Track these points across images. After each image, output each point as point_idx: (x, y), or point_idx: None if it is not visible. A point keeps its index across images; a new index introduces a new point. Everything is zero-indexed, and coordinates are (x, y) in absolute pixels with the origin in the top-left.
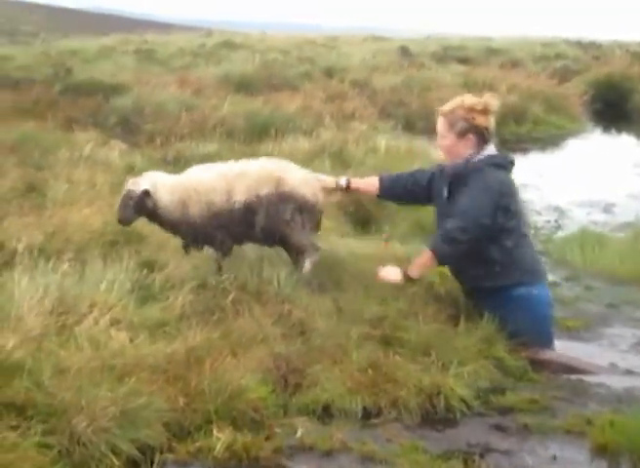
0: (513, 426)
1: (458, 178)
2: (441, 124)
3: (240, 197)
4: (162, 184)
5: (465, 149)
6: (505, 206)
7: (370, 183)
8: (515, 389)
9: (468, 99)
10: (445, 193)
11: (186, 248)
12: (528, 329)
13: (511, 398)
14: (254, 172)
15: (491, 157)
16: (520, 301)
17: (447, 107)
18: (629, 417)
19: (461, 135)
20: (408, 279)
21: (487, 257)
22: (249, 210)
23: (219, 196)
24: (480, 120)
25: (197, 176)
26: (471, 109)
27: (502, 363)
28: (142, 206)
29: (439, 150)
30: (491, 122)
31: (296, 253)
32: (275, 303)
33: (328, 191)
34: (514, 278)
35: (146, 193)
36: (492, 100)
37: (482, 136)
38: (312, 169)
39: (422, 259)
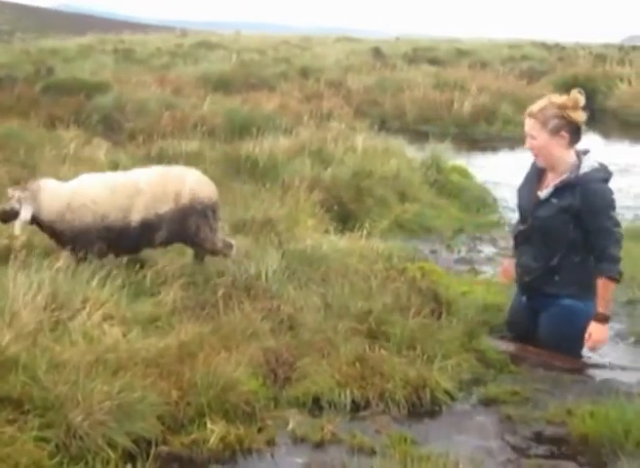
0: (496, 417)
1: (565, 187)
2: (531, 125)
3: (137, 216)
4: (50, 193)
5: (559, 148)
6: None
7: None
8: (497, 381)
9: (556, 98)
10: (543, 194)
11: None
12: (564, 339)
13: (493, 390)
14: (148, 190)
15: (599, 170)
16: (567, 312)
17: (535, 107)
18: (609, 408)
19: (555, 132)
20: (606, 319)
21: (551, 265)
22: (148, 227)
23: (114, 212)
24: (574, 115)
25: (91, 188)
26: (563, 106)
27: (484, 355)
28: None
29: (530, 152)
30: (583, 117)
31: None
32: (264, 299)
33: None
34: (569, 290)
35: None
36: (580, 96)
37: (575, 133)
38: (294, 167)
39: (606, 292)
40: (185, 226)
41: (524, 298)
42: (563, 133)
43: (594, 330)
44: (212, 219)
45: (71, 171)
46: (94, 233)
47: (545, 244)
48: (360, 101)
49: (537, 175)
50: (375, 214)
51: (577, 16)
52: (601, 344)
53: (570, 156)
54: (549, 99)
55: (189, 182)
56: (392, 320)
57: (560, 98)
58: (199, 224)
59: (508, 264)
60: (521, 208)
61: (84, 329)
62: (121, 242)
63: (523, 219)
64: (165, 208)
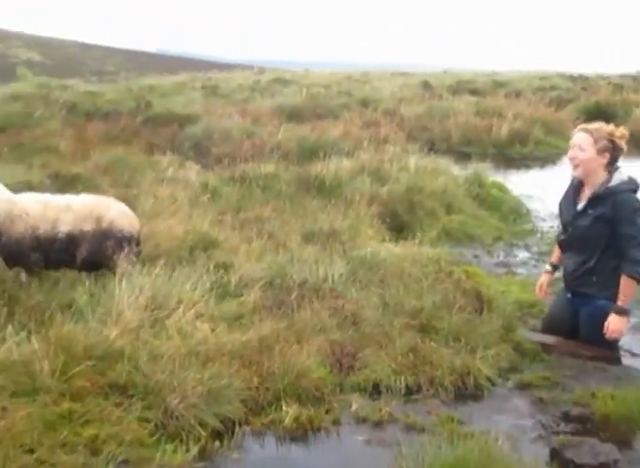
0: (530, 400)
1: (597, 199)
2: (584, 138)
3: (65, 228)
4: None
5: (598, 166)
6: None
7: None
8: (530, 368)
9: (606, 127)
10: (579, 206)
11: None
12: (600, 334)
13: (528, 376)
14: (77, 209)
15: (627, 182)
16: (602, 311)
17: (591, 126)
18: (628, 391)
19: (601, 152)
20: (624, 312)
21: (589, 266)
22: (72, 241)
23: (44, 223)
24: (620, 142)
25: (28, 200)
26: (611, 133)
27: (519, 346)
28: None
29: (570, 161)
30: (624, 147)
31: None
32: (331, 298)
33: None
34: (605, 293)
35: None
36: (625, 132)
37: (615, 158)
38: (355, 185)
39: (626, 288)
40: (103, 249)
41: (569, 295)
42: (607, 154)
43: (611, 321)
44: (127, 250)
45: (168, 190)
46: (27, 243)
47: (584, 249)
48: (412, 127)
49: (574, 190)
50: (425, 225)
51: (596, 49)
52: (618, 335)
53: (604, 173)
54: (601, 125)
55: (112, 210)
56: (441, 316)
57: (610, 127)
58: (115, 250)
59: (543, 282)
60: (562, 219)
61: (179, 325)
62: (48, 255)
63: (564, 229)
64: (87, 226)
